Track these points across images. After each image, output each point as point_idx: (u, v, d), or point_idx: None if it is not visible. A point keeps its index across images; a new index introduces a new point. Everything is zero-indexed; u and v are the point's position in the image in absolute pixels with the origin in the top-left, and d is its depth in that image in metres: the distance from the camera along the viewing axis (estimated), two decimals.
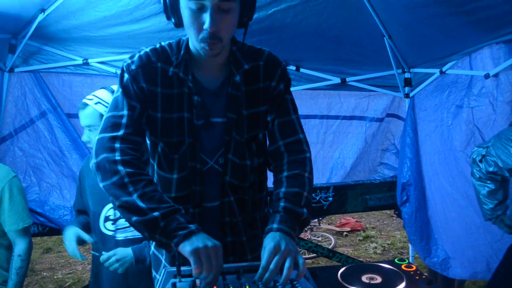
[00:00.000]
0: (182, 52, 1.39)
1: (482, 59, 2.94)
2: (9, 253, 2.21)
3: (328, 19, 3.01)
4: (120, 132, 1.31)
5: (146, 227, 1.20)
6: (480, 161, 2.45)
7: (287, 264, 1.15)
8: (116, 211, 1.96)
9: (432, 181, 3.48)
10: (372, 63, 3.65)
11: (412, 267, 1.40)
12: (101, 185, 1.28)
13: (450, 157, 3.22)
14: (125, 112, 1.34)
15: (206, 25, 1.22)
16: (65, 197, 3.28)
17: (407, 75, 3.69)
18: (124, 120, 1.33)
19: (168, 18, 1.35)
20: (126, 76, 1.38)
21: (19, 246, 2.15)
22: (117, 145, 1.29)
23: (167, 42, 1.43)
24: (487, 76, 2.85)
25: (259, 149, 1.49)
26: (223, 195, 1.47)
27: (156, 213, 1.19)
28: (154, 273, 1.60)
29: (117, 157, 1.27)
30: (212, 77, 1.43)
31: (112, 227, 1.99)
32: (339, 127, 3.96)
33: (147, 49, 1.40)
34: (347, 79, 3.78)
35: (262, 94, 1.45)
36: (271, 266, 1.15)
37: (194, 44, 1.32)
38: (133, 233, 1.97)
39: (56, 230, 3.26)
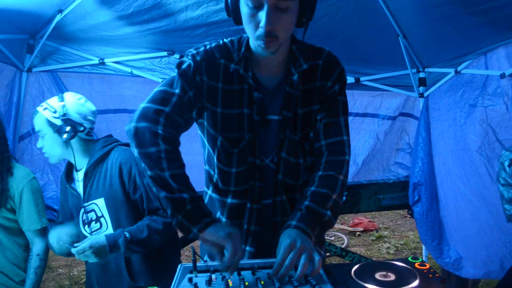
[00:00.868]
0: (243, 49, 1.40)
1: (498, 58, 2.92)
2: (26, 253, 2.25)
3: (343, 19, 3.01)
4: (168, 108, 1.32)
5: (172, 205, 1.24)
6: (509, 165, 2.39)
7: (302, 261, 1.16)
8: (87, 214, 2.00)
9: (445, 181, 3.46)
10: (387, 63, 3.63)
11: (425, 266, 1.40)
12: (135, 150, 1.29)
13: (464, 157, 3.20)
14: (177, 91, 1.35)
15: (262, 23, 1.23)
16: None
17: (421, 74, 3.67)
18: (174, 98, 1.34)
19: (228, 15, 1.37)
20: (189, 62, 1.38)
21: (38, 246, 2.19)
22: (162, 119, 1.31)
23: (229, 39, 1.45)
24: (502, 76, 2.83)
25: (311, 147, 1.49)
26: (275, 194, 1.48)
27: (185, 195, 1.24)
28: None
29: (160, 130, 1.29)
30: (270, 75, 1.44)
31: (88, 230, 2.02)
32: (351, 124, 3.87)
33: (212, 45, 1.42)
34: (361, 79, 3.77)
35: (317, 93, 1.45)
36: (286, 262, 1.16)
37: (252, 41, 1.34)
38: (106, 232, 1.97)
39: None
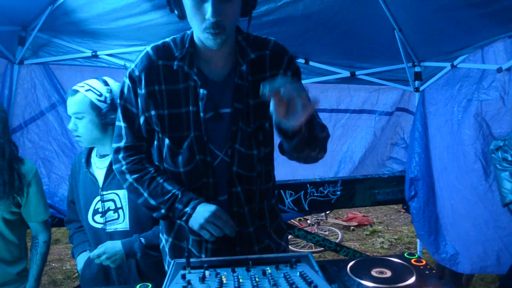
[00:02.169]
0: (186, 45, 1.39)
1: (495, 52, 2.91)
2: (24, 243, 2.25)
3: (339, 13, 2.98)
4: (122, 143, 1.49)
5: (163, 219, 1.52)
6: (497, 150, 2.44)
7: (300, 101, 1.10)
8: (104, 203, 1.98)
9: (441, 176, 3.45)
10: (382, 57, 3.61)
11: (421, 262, 1.39)
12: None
13: (459, 152, 3.19)
14: (123, 124, 1.48)
15: (208, 15, 1.21)
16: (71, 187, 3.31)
17: (417, 69, 3.65)
18: (123, 131, 1.49)
19: (171, 10, 1.36)
20: (127, 84, 1.43)
21: (44, 234, 2.23)
22: (121, 155, 1.50)
23: (171, 37, 1.44)
24: (499, 70, 2.81)
25: (266, 138, 1.50)
26: (230, 185, 1.47)
27: (163, 210, 1.44)
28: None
29: (123, 167, 1.50)
30: (218, 68, 1.43)
31: (101, 220, 1.98)
32: (348, 121, 3.94)
33: (149, 48, 1.42)
34: (357, 73, 3.75)
35: None
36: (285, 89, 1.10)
37: (198, 35, 1.32)
38: (122, 225, 1.97)
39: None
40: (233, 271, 1.22)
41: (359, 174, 3.92)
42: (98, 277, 2.03)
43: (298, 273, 1.17)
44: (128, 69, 1.43)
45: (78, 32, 3.24)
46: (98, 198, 1.99)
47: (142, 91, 1.40)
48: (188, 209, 1.40)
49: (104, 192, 1.98)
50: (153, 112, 1.42)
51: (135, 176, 1.47)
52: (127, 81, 1.42)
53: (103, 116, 1.93)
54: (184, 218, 1.41)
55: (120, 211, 1.97)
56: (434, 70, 3.53)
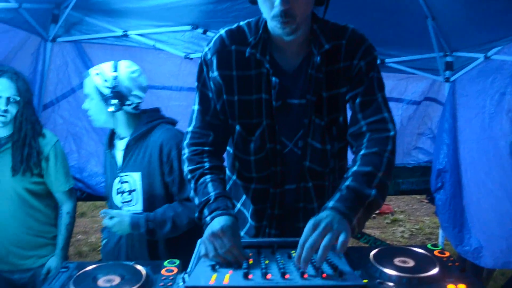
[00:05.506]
0: (260, 31, 1.34)
1: None
2: (55, 212, 2.35)
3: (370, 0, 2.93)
4: (190, 128, 1.44)
5: (199, 223, 1.34)
6: None
7: (323, 242, 1.08)
8: (122, 184, 2.00)
9: (469, 169, 3.40)
10: (413, 45, 3.55)
11: (445, 254, 1.38)
12: None
13: (489, 146, 3.13)
14: (196, 107, 1.44)
15: (277, 2, 1.17)
16: (103, 165, 3.39)
17: (448, 58, 3.57)
18: (194, 115, 1.44)
19: None
20: (203, 68, 1.41)
21: (67, 205, 2.31)
22: (186, 141, 1.43)
23: (246, 21, 1.40)
24: None
25: (339, 133, 1.43)
26: (300, 179, 1.45)
27: (196, 213, 1.33)
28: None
29: (184, 156, 1.42)
30: (290, 57, 1.37)
31: (120, 199, 2.02)
32: None
33: (222, 32, 1.38)
34: (386, 61, 3.69)
35: (343, 74, 1.38)
36: (307, 244, 1.08)
37: (268, 22, 1.28)
38: (135, 207, 1.99)
39: (93, 196, 3.38)
40: (259, 253, 1.24)
41: None
42: (114, 251, 2.07)
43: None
44: (203, 51, 1.40)
45: (109, 11, 3.27)
46: (118, 179, 2.02)
47: (213, 73, 1.37)
48: (208, 218, 1.25)
49: (122, 174, 2.01)
50: (224, 97, 1.39)
51: (191, 167, 1.37)
52: (203, 66, 1.40)
53: (105, 101, 1.93)
54: (204, 228, 1.26)
55: (134, 193, 1.99)
56: (467, 61, 3.46)
